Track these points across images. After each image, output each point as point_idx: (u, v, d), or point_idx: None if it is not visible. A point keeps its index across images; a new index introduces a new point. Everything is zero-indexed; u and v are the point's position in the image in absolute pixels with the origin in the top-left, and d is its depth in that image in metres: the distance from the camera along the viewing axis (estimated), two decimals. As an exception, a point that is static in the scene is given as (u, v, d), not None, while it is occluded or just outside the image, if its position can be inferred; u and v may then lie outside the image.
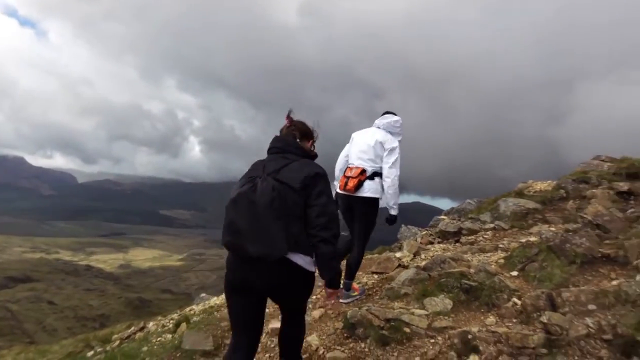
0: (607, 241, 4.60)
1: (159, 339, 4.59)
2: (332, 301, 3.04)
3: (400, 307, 4.18)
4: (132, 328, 5.48)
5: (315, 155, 2.80)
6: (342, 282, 4.50)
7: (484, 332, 3.45)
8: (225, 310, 5.04)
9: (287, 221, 2.33)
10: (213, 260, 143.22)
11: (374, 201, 4.28)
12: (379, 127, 4.44)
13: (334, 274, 2.58)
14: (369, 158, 4.27)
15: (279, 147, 2.67)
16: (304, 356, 3.46)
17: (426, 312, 4.01)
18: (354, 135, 4.58)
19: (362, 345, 3.67)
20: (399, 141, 4.37)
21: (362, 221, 4.37)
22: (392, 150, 4.24)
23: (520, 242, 5.30)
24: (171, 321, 5.25)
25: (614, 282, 3.72)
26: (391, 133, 4.37)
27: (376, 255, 6.18)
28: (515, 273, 4.52)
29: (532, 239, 5.22)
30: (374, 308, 3.95)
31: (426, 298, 4.22)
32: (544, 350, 3.10)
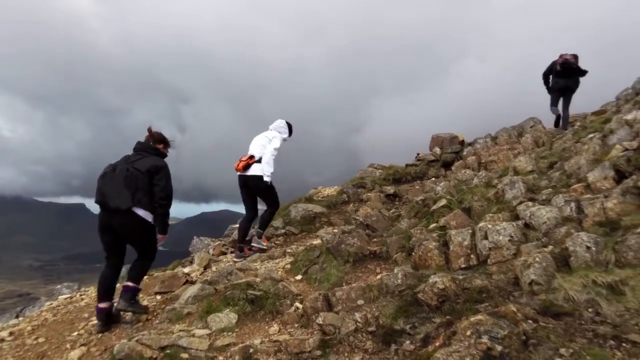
0: (375, 239, 5.16)
1: None
2: (161, 242, 4.22)
3: (181, 330, 3.71)
4: None
5: (165, 155, 4.29)
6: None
7: (266, 343, 3.29)
8: None
9: (135, 190, 3.84)
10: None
11: (261, 178, 5.68)
12: (270, 129, 6.13)
13: (162, 226, 4.10)
14: (259, 149, 5.81)
15: (138, 147, 4.16)
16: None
17: (209, 331, 3.65)
18: (255, 137, 6.09)
19: (126, 386, 3.05)
20: (284, 139, 6.08)
21: (267, 194, 5.84)
22: (271, 140, 5.86)
23: (306, 246, 5.49)
24: None
25: (379, 276, 4.11)
26: (278, 132, 6.06)
27: (161, 273, 5.52)
28: (299, 277, 4.60)
29: (316, 242, 5.48)
30: (145, 337, 3.37)
31: (210, 315, 3.87)
32: (319, 352, 3.11)
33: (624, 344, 2.35)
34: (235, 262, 5.59)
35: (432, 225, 4.71)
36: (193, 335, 3.52)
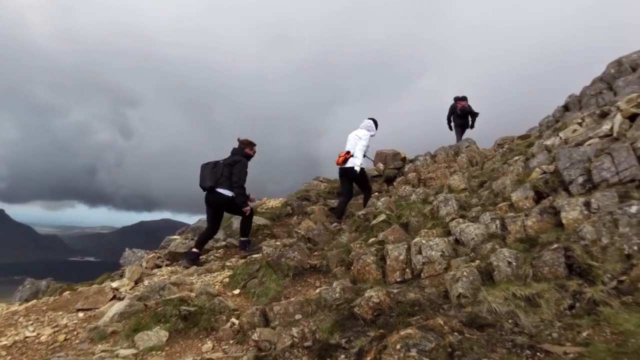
0: (316, 253, 5.18)
1: None
2: (247, 212, 6.05)
3: (103, 350, 3.48)
4: None
5: (250, 156, 6.16)
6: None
7: (198, 362, 3.17)
8: None
9: (219, 176, 5.78)
10: None
11: (359, 168, 7.09)
12: (360, 127, 7.47)
13: (240, 202, 5.83)
14: (353, 145, 7.26)
15: (233, 151, 6.10)
16: None
17: (135, 351, 3.45)
18: (349, 135, 7.49)
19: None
20: (372, 135, 7.45)
21: (360, 181, 7.37)
22: (363, 138, 7.24)
23: (246, 259, 5.38)
24: None
25: (318, 290, 4.12)
26: (367, 129, 7.41)
27: (86, 287, 5.14)
28: (237, 291, 4.49)
29: (256, 255, 5.39)
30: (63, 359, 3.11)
31: (138, 333, 3.66)
32: (253, 370, 3.04)
33: (538, 353, 2.52)
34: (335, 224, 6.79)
35: (371, 240, 4.81)
36: (117, 356, 3.32)
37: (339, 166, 7.38)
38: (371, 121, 7.54)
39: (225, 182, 5.75)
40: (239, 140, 6.15)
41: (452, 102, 11.82)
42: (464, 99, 11.44)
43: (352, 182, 7.37)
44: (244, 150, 6.07)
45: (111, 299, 4.61)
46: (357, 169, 7.08)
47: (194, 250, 5.85)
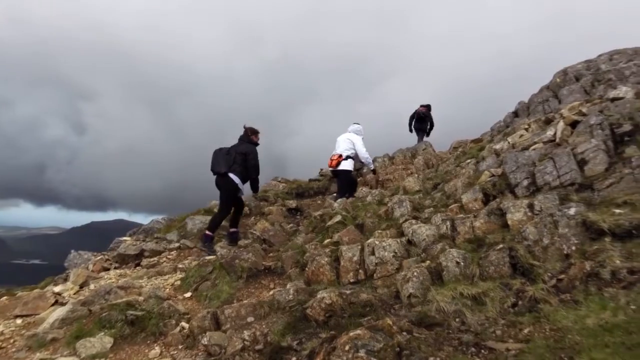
0: (271, 254, 5.12)
1: None
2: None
3: (42, 359, 3.28)
4: None
5: (256, 143, 6.39)
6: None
7: (144, 369, 3.04)
8: None
9: (232, 163, 6.02)
10: None
11: (348, 171, 7.80)
12: (349, 131, 8.12)
13: (254, 187, 6.44)
14: (344, 148, 7.84)
15: (241, 137, 6.33)
16: None
17: (77, 359, 3.28)
18: (338, 138, 8.14)
19: None
20: (362, 138, 8.04)
21: (345, 182, 7.77)
22: (358, 143, 7.87)
23: (200, 260, 5.24)
24: None
25: (271, 292, 4.07)
26: (356, 134, 8.04)
27: (26, 292, 4.82)
28: (188, 294, 4.35)
29: (209, 257, 5.26)
30: (-7, 370, 2.89)
31: (80, 340, 3.47)
32: (201, 376, 2.96)
33: (482, 351, 2.60)
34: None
35: (327, 241, 4.82)
36: (57, 364, 3.13)
37: (331, 169, 7.89)
38: (359, 125, 8.15)
39: (237, 169, 6.02)
40: (245, 127, 6.35)
41: (417, 106, 12.31)
42: (426, 106, 12.18)
43: (341, 181, 7.80)
44: (251, 138, 6.32)
45: (53, 304, 4.34)
46: (371, 166, 8.33)
47: (207, 232, 5.94)
